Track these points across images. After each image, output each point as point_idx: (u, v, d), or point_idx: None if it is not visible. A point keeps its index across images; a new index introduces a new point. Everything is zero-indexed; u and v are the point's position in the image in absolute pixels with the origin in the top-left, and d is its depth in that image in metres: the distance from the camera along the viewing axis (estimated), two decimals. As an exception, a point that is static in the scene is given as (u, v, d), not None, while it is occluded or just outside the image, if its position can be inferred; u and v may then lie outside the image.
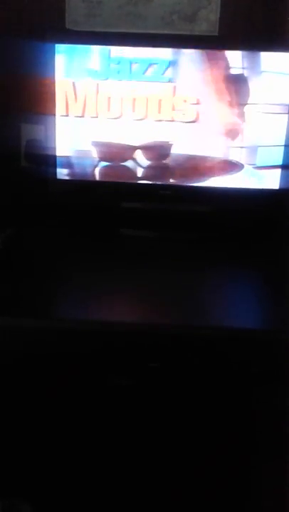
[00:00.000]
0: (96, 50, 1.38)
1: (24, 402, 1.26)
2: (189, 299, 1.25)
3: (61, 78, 1.41)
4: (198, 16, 1.46)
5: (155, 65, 1.38)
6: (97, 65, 1.39)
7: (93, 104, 1.42)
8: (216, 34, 1.46)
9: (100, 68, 1.40)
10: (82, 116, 1.43)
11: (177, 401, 1.27)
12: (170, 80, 1.39)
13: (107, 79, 1.40)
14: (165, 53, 1.38)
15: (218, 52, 1.38)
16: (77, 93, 1.41)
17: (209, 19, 1.46)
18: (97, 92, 1.41)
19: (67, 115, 1.43)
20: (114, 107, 1.42)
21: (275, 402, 1.20)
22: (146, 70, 1.39)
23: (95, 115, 1.43)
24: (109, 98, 1.41)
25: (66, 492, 1.33)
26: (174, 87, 1.40)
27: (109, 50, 1.38)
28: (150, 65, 1.38)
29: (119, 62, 1.39)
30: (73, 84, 1.41)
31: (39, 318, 1.17)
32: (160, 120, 1.42)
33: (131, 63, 1.39)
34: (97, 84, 1.40)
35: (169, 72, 1.39)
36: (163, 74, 1.39)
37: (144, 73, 1.39)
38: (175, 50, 1.37)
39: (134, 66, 1.39)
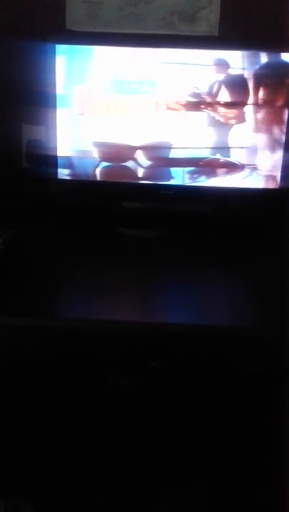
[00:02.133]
0: (105, 73, 1.42)
1: (25, 402, 1.26)
2: (190, 298, 1.26)
3: (64, 82, 1.42)
4: (198, 17, 1.46)
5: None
6: (109, 84, 1.42)
7: (94, 105, 1.43)
8: (216, 35, 1.46)
9: (110, 86, 1.42)
10: (82, 114, 1.44)
11: (178, 400, 1.27)
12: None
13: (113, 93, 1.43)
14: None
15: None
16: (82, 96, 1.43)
17: (209, 20, 1.46)
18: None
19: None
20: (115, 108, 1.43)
21: (276, 400, 1.20)
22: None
23: (95, 114, 1.44)
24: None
25: (68, 492, 1.33)
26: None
27: (116, 75, 1.41)
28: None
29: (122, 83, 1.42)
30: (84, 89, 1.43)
31: (40, 318, 1.17)
32: (158, 117, 1.43)
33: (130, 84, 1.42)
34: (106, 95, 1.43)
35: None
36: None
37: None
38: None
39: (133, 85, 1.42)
